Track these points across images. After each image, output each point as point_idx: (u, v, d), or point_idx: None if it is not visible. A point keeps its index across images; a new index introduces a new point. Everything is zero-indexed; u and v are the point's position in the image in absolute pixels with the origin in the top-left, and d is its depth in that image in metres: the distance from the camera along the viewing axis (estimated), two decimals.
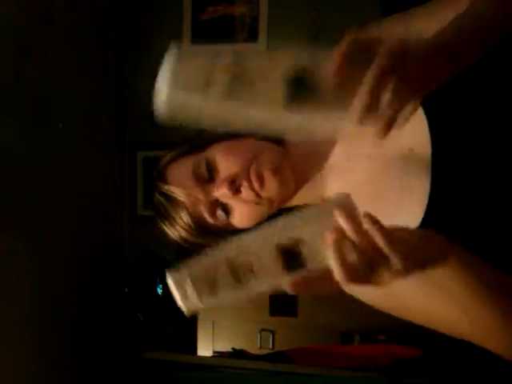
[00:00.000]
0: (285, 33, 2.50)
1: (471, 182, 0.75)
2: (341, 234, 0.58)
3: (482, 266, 0.67)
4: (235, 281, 0.61)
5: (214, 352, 2.59)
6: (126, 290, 2.49)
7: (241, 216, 0.85)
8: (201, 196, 0.84)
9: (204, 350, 2.62)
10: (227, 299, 0.61)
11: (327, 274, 0.58)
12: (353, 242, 0.58)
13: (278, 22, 2.49)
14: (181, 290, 0.61)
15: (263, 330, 2.60)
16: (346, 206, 0.60)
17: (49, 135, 2.06)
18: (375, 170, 0.83)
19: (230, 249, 0.62)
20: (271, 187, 0.83)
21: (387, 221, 0.60)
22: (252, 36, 2.51)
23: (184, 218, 0.86)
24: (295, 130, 0.60)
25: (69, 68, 2.16)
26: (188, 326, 2.58)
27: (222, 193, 0.83)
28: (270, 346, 2.58)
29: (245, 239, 0.62)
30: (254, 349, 2.50)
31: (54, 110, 2.08)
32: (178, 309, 0.62)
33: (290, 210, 0.72)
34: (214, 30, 2.53)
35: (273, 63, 0.56)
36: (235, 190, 0.82)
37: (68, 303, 2.17)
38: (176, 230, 0.88)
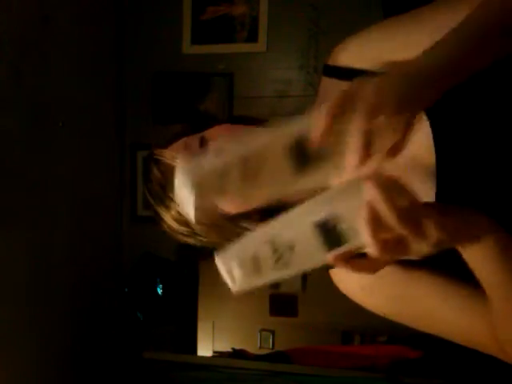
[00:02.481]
0: (285, 33, 2.50)
1: (477, 188, 0.75)
2: (374, 210, 0.57)
3: None
4: (277, 261, 0.62)
5: (214, 352, 2.59)
6: (126, 290, 2.49)
7: None
8: None
9: (204, 350, 2.61)
10: (272, 279, 0.63)
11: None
12: (385, 217, 0.57)
13: (277, 21, 2.49)
14: (229, 274, 0.63)
15: (263, 330, 2.60)
16: (384, 182, 0.59)
17: (49, 135, 2.06)
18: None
19: (269, 229, 0.63)
20: None
21: None
22: (252, 36, 2.51)
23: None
24: (308, 191, 0.65)
25: (69, 68, 2.16)
26: (188, 326, 2.58)
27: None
28: (270, 346, 2.58)
29: (282, 219, 0.63)
30: (253, 349, 2.50)
31: (54, 109, 2.08)
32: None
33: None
34: (214, 30, 2.53)
35: (273, 141, 0.63)
36: None
37: (68, 303, 2.17)
38: (171, 206, 0.87)
